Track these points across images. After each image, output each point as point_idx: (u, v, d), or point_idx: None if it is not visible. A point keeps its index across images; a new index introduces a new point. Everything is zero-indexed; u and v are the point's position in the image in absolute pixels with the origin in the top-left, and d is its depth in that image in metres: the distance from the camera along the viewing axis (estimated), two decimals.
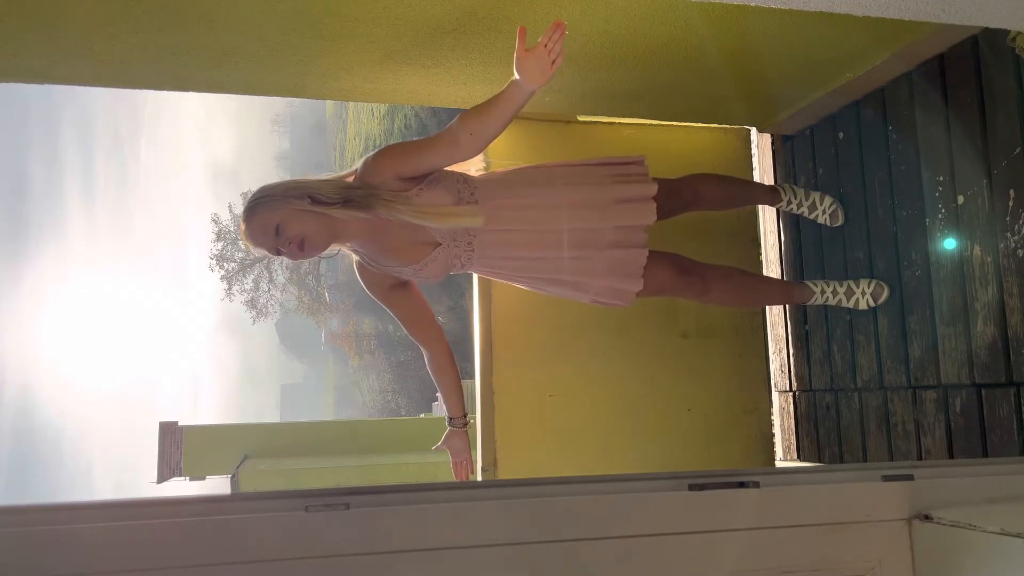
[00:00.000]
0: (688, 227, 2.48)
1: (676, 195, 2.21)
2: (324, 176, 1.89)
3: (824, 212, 2.51)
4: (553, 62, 1.65)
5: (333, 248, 1.92)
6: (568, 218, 1.95)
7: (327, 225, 1.82)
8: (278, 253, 1.83)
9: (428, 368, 2.17)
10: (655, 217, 2.00)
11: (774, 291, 2.54)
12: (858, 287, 2.36)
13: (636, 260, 2.00)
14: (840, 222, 2.48)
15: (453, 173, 1.91)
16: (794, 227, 2.75)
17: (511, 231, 1.93)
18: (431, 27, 1.89)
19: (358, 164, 1.87)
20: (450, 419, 2.16)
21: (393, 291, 2.03)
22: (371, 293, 2.04)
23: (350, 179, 1.87)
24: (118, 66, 1.99)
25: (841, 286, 2.40)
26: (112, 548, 0.94)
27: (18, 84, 2.06)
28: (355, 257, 1.99)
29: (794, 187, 2.58)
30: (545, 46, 1.64)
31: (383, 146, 1.87)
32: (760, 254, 2.91)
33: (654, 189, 2.01)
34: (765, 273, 2.91)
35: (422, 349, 2.17)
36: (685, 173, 2.30)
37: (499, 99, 1.73)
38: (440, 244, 1.90)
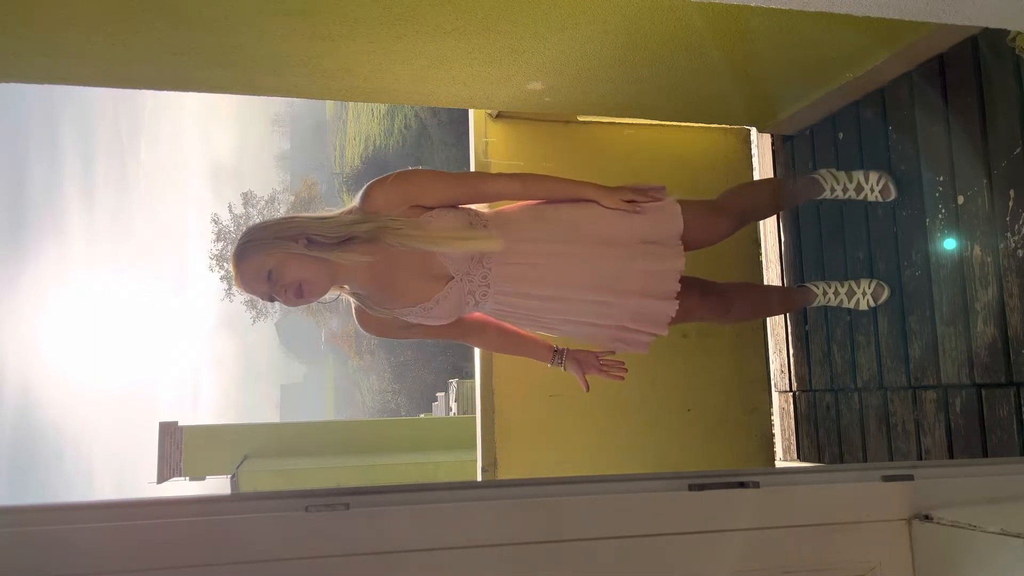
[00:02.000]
0: None
1: (708, 222, 1.97)
2: (321, 213, 1.75)
3: (873, 189, 2.28)
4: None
5: (332, 293, 1.77)
6: (588, 255, 1.80)
7: (325, 268, 1.67)
8: (272, 299, 1.69)
9: (489, 351, 2.03)
10: (683, 263, 1.84)
11: (781, 300, 2.54)
12: (859, 287, 2.35)
13: (665, 311, 1.85)
14: (893, 196, 2.25)
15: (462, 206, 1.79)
16: (794, 227, 2.75)
17: (528, 265, 1.78)
18: (431, 27, 1.89)
19: (356, 200, 1.73)
20: (553, 358, 1.98)
21: (399, 329, 1.86)
22: (375, 336, 1.91)
23: (350, 215, 1.73)
24: (118, 66, 1.99)
25: (842, 287, 2.39)
26: (112, 548, 0.94)
27: (18, 84, 2.06)
28: (353, 302, 1.83)
29: (833, 172, 2.33)
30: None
31: (388, 173, 1.74)
32: (760, 255, 2.91)
33: (680, 225, 1.84)
34: (765, 274, 2.91)
35: (472, 344, 2.05)
36: (685, 173, 2.29)
37: (567, 182, 1.75)
38: (453, 278, 1.75)
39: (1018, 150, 1.89)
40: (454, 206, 1.76)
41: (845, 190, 2.32)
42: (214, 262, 30.93)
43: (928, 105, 2.16)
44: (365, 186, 1.72)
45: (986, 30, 1.96)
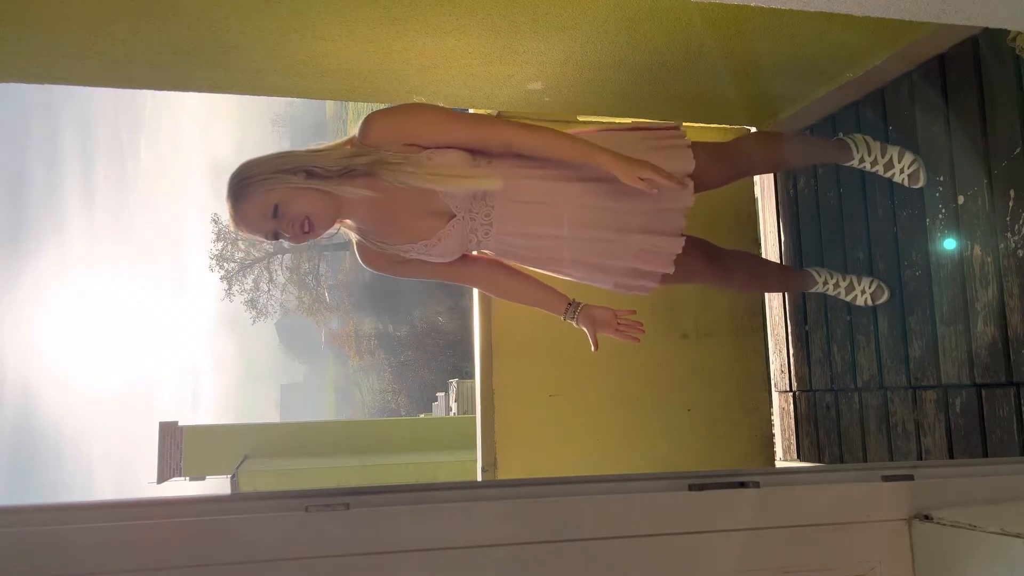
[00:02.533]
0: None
1: (724, 161, 1.97)
2: (315, 146, 1.69)
3: (903, 171, 2.15)
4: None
5: (333, 227, 1.73)
6: (593, 192, 1.73)
7: (330, 201, 1.62)
8: (276, 237, 1.64)
9: (497, 296, 1.95)
10: (692, 200, 1.80)
11: (781, 277, 2.52)
12: (859, 283, 2.34)
13: (670, 248, 1.82)
14: (921, 183, 2.14)
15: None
16: (794, 226, 2.75)
17: (532, 203, 1.73)
18: (431, 27, 1.89)
19: (355, 130, 1.67)
20: (567, 311, 1.89)
21: (401, 264, 1.81)
22: (378, 272, 1.85)
23: (348, 147, 1.68)
24: (118, 66, 1.99)
25: (844, 279, 2.37)
26: (112, 548, 0.94)
27: (18, 84, 2.06)
28: (353, 236, 1.80)
29: (868, 140, 2.20)
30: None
31: (389, 105, 1.66)
32: (760, 254, 2.91)
33: (691, 165, 1.80)
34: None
35: (478, 288, 1.97)
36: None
37: (583, 144, 1.65)
38: (455, 216, 1.70)
39: (1018, 150, 1.89)
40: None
41: (875, 163, 2.19)
42: (214, 262, 30.90)
43: (928, 105, 2.16)
44: (365, 116, 1.65)
45: (986, 30, 1.96)
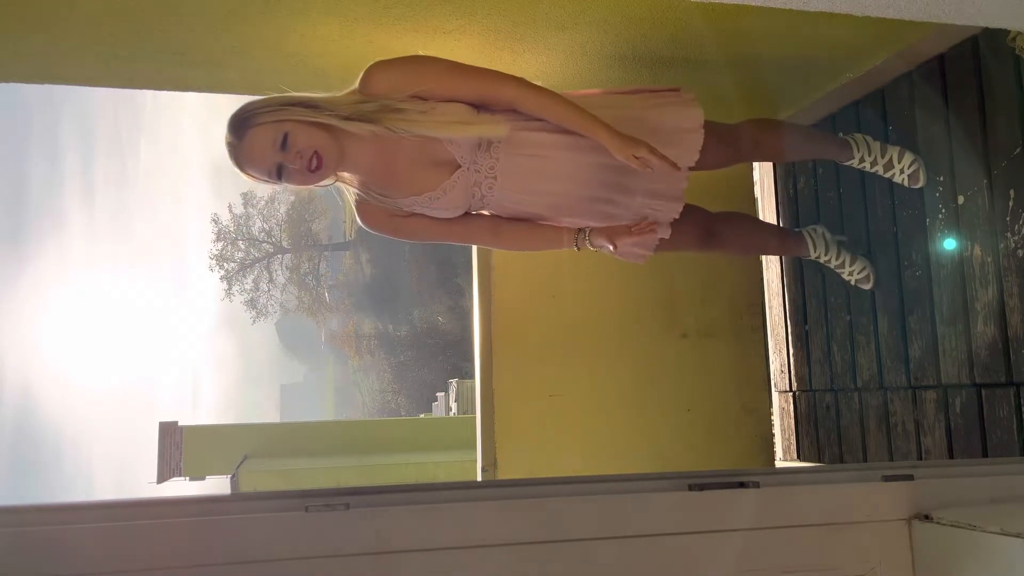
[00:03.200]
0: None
1: (728, 142, 1.95)
2: (317, 94, 1.64)
3: (903, 171, 2.14)
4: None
5: (329, 179, 1.67)
6: (596, 149, 1.69)
7: (336, 139, 1.57)
8: (279, 173, 1.57)
9: (504, 248, 1.90)
10: (697, 155, 1.76)
11: (775, 238, 2.49)
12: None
13: (669, 213, 1.82)
14: (921, 184, 2.13)
15: None
16: (794, 226, 2.75)
17: (537, 157, 1.71)
18: (431, 27, 1.89)
19: (356, 83, 1.63)
20: (577, 239, 1.83)
21: (403, 220, 1.77)
22: (377, 230, 1.80)
23: (353, 96, 1.63)
24: (118, 66, 1.99)
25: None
26: (112, 548, 0.94)
27: (18, 84, 2.06)
28: (353, 194, 1.75)
29: (868, 139, 2.19)
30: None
31: (393, 57, 1.61)
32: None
33: (700, 117, 1.77)
34: (765, 273, 2.91)
35: (482, 243, 1.94)
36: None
37: (584, 115, 1.62)
38: (460, 167, 1.68)
39: (1018, 150, 1.89)
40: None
41: (874, 163, 2.18)
42: (214, 262, 30.91)
43: (928, 105, 2.16)
44: (368, 65, 1.61)
45: (986, 30, 1.96)
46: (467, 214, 1.81)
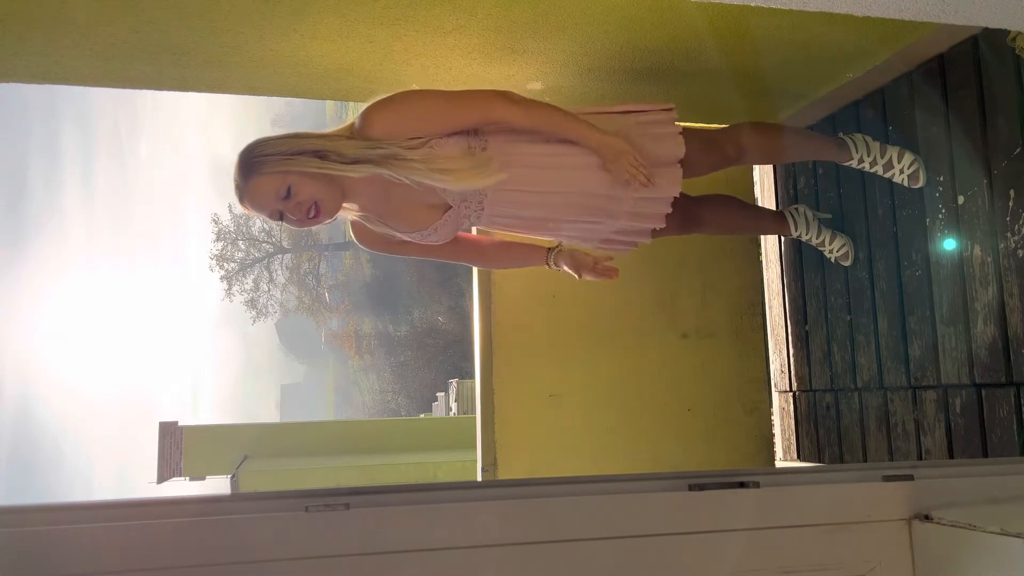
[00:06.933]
0: None
1: (711, 149, 1.99)
2: (321, 132, 1.70)
3: (902, 172, 2.15)
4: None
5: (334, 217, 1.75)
6: (585, 179, 1.79)
7: (338, 188, 1.65)
8: (280, 218, 1.65)
9: (488, 267, 2.08)
10: (679, 188, 1.85)
11: (757, 218, 2.52)
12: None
13: (647, 227, 1.92)
14: (921, 184, 2.14)
15: None
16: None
17: (524, 192, 1.79)
18: (431, 27, 1.89)
19: (356, 119, 1.68)
20: (548, 257, 2.01)
21: (396, 244, 1.90)
22: (370, 249, 1.92)
23: (347, 134, 1.69)
24: (118, 66, 1.99)
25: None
26: (112, 548, 0.94)
27: (18, 84, 2.06)
28: (351, 216, 1.83)
29: (868, 139, 2.19)
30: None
31: (386, 96, 1.67)
32: (760, 255, 2.91)
33: (682, 151, 1.84)
34: (764, 273, 2.91)
35: (467, 263, 2.10)
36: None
37: (576, 122, 1.72)
38: (451, 207, 1.77)
39: (1018, 150, 1.89)
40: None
41: (874, 163, 2.18)
42: (214, 262, 30.90)
43: (928, 105, 2.16)
44: (365, 109, 1.66)
45: (986, 30, 1.96)
46: (456, 236, 1.93)
